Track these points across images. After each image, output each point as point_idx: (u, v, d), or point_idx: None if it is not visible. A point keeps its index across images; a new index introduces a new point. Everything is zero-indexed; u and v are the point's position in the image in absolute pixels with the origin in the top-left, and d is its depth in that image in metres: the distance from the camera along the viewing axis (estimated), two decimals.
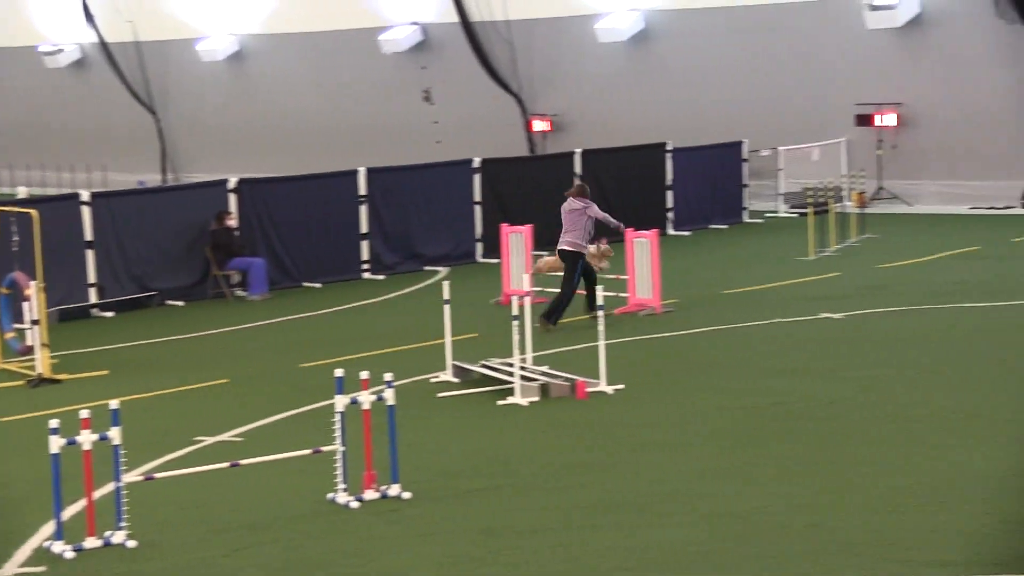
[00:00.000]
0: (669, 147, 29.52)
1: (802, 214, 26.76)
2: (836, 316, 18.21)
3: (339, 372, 10.65)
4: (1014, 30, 29.19)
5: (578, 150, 28.37)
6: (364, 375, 10.80)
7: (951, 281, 20.86)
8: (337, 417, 10.55)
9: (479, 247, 26.05)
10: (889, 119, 31.99)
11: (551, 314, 18.24)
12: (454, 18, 36.29)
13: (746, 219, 30.83)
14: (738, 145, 31.11)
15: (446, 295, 15.10)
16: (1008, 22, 29.09)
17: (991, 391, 13.46)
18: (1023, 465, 10.85)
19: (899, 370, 14.67)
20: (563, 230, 18.63)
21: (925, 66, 31.79)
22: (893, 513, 9.77)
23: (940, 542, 9.13)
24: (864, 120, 32.19)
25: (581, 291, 18.63)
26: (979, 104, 30.99)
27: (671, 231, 29.08)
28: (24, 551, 9.70)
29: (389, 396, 10.76)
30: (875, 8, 31.61)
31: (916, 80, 31.88)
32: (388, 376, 10.89)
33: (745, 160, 31.11)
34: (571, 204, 18.75)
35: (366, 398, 10.69)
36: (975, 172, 31.40)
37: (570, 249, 18.44)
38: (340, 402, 10.57)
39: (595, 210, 18.59)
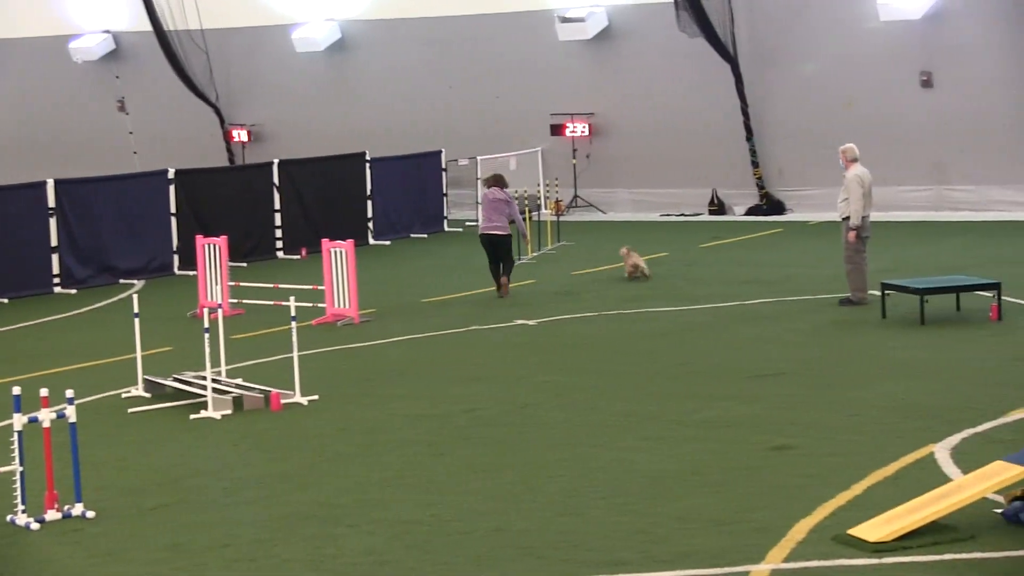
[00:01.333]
0: (368, 157, 29.64)
1: None
2: (530, 322, 18.58)
3: (16, 390, 10.37)
4: (697, 43, 30.28)
5: (276, 160, 28.23)
6: (44, 392, 10.54)
7: (641, 286, 21.52)
8: (15, 436, 10.27)
9: (176, 259, 25.64)
10: (582, 129, 32.81)
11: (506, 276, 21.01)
12: (147, 27, 35.58)
13: (446, 228, 31.17)
14: (437, 155, 31.45)
15: (136, 308, 14.85)
16: (691, 35, 30.18)
17: (670, 393, 13.96)
18: (696, 464, 11.27)
19: (586, 374, 15.08)
20: (486, 218, 21.04)
21: (615, 77, 32.75)
22: (574, 515, 10.05)
23: (619, 541, 9.43)
24: (558, 130, 32.93)
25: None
26: (667, 114, 32.06)
27: (372, 241, 29.19)
28: None
29: (70, 413, 10.52)
30: (566, 20, 32.40)
31: (607, 91, 32.80)
32: (69, 393, 10.65)
33: (444, 169, 31.47)
34: (494, 194, 21.03)
35: (45, 415, 10.43)
36: (665, 180, 32.47)
37: (501, 234, 20.84)
38: (18, 421, 10.29)
39: (516, 209, 21.14)
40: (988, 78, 29.05)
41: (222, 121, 36.94)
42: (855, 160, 18.76)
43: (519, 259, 22.58)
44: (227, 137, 36.95)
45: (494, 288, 21.12)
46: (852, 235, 18.44)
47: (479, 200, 32.16)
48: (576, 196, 33.07)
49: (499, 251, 21.02)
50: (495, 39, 33.71)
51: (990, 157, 29.34)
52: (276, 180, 27.75)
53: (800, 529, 9.49)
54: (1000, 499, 9.76)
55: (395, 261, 26.52)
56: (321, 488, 11.03)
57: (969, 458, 10.96)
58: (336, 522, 10.11)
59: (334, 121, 35.34)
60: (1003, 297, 17.44)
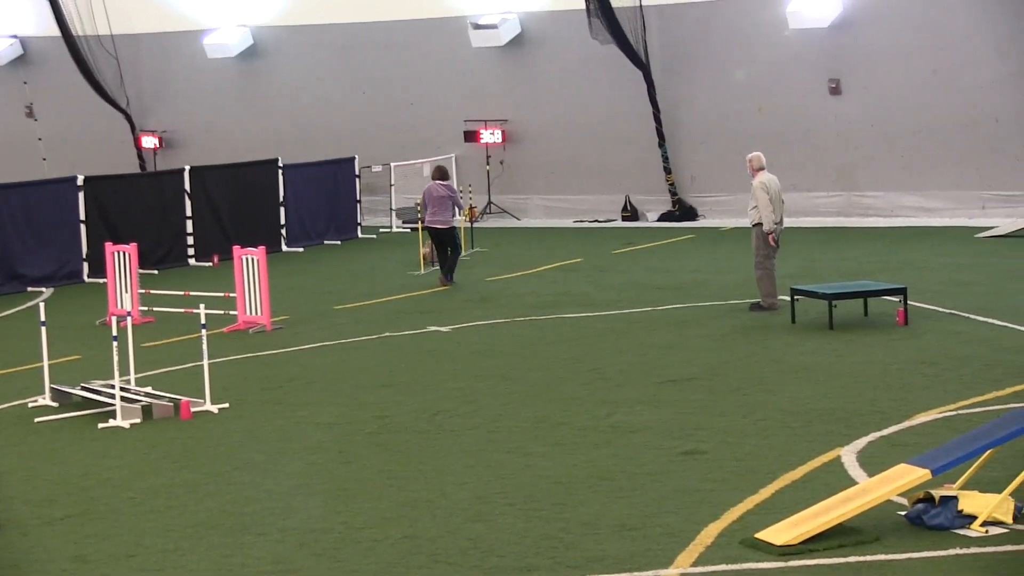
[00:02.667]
0: (281, 163, 29.51)
1: (414, 229, 27.18)
2: (444, 329, 18.57)
3: None
4: (609, 50, 30.45)
5: (187, 167, 28.03)
6: None
7: (554, 292, 21.58)
8: None
9: (85, 267, 25.38)
10: (496, 135, 32.86)
11: (449, 272, 22.30)
12: (56, 31, 35.18)
13: (360, 235, 31.10)
14: (350, 161, 31.37)
15: (43, 316, 14.70)
16: (603, 42, 30.34)
17: (580, 399, 14.00)
18: (605, 470, 11.32)
19: (498, 381, 15.10)
20: (430, 211, 22.22)
21: (528, 84, 32.84)
22: (485, 521, 10.06)
23: (528, 547, 9.46)
24: (472, 136, 32.97)
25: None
26: (580, 120, 32.20)
27: (285, 248, 29.06)
28: None
29: None
30: (479, 27, 32.45)
31: (520, 97, 32.88)
32: None
33: (358, 176, 31.40)
34: (437, 189, 22.23)
35: None
36: (579, 186, 32.61)
37: (444, 227, 22.25)
38: None
39: (458, 199, 22.52)
40: (895, 85, 29.44)
41: (133, 127, 36.60)
42: (761, 168, 18.97)
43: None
44: (138, 143, 36.61)
45: (406, 295, 21.12)
46: (772, 239, 18.61)
47: (391, 207, 32.28)
48: (490, 203, 33.11)
49: (444, 242, 22.41)
50: (408, 46, 33.68)
51: (898, 163, 29.74)
52: (187, 187, 27.54)
53: (708, 533, 9.57)
54: (904, 501, 9.90)
55: (308, 268, 26.41)
56: (229, 496, 10.97)
57: (875, 461, 11.10)
58: (244, 530, 10.05)
59: (247, 127, 35.15)
60: (909, 302, 17.68)
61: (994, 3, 28.47)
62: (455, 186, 23.13)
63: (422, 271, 24.14)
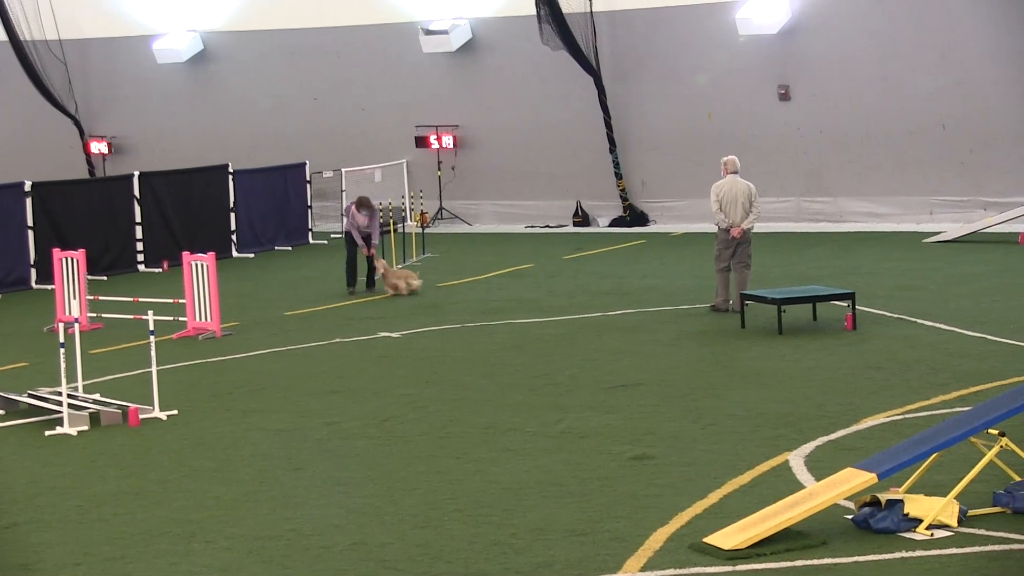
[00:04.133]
0: (231, 169, 29.41)
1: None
2: (394, 335, 18.55)
3: None
4: (560, 56, 30.52)
5: (137, 172, 27.90)
6: None
7: (504, 298, 21.60)
8: None
9: (33, 273, 25.20)
10: (447, 141, 32.86)
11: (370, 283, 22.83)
12: (3, 36, 34.90)
13: (311, 240, 31.03)
14: (301, 166, 31.30)
15: None
16: (553, 48, 30.42)
17: (529, 405, 14.01)
18: (555, 475, 11.34)
19: (447, 387, 15.09)
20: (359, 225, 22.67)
21: (479, 89, 32.87)
22: (433, 527, 10.06)
23: (477, 553, 9.46)
24: (423, 142, 32.95)
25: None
26: (531, 126, 32.27)
27: (235, 253, 28.96)
28: None
29: None
30: (430, 33, 32.45)
31: (471, 103, 32.91)
32: None
33: (309, 181, 31.33)
34: (359, 219, 22.66)
35: None
36: (530, 192, 32.66)
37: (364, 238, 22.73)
38: None
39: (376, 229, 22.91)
40: (843, 91, 29.65)
41: (81, 133, 36.38)
42: (734, 172, 19.25)
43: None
44: (87, 149, 36.39)
45: (357, 301, 21.07)
46: (734, 234, 19.04)
47: (342, 213, 32.18)
48: (441, 208, 33.11)
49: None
50: (359, 51, 33.66)
51: (846, 169, 29.94)
52: (137, 192, 27.41)
53: (657, 538, 9.60)
54: (851, 505, 9.97)
55: (259, 274, 26.32)
56: (177, 504, 10.91)
57: (822, 465, 11.16)
58: (191, 538, 10.01)
59: (197, 133, 35.01)
60: (857, 307, 17.80)
61: (940, 12, 28.71)
62: (377, 217, 23.06)
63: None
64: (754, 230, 19.50)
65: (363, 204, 22.88)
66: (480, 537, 9.79)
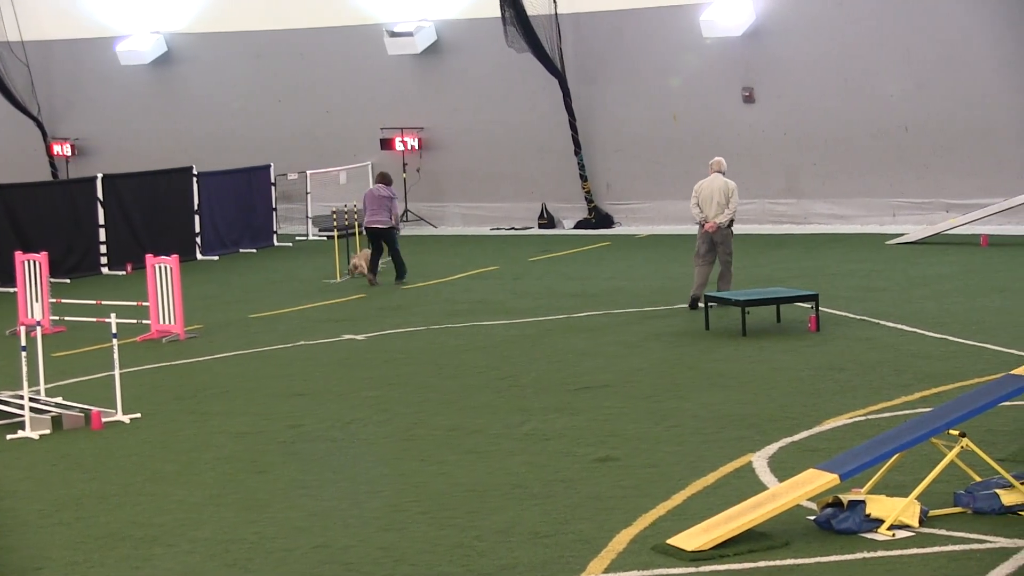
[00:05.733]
0: (196, 171, 29.31)
1: (331, 237, 27.11)
2: (359, 337, 18.52)
3: None
4: (525, 58, 30.54)
5: (100, 175, 27.78)
6: None
7: (470, 300, 21.59)
8: None
9: None
10: (412, 143, 32.85)
11: (400, 275, 23.44)
12: None
13: (276, 243, 30.96)
14: (266, 169, 31.22)
15: None
16: (518, 51, 30.42)
17: (494, 407, 14.01)
18: (519, 477, 11.35)
19: (412, 389, 15.08)
20: (369, 212, 23.21)
21: (444, 91, 32.85)
22: (397, 530, 10.05)
23: (441, 555, 9.46)
24: (388, 144, 32.92)
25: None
26: (496, 128, 32.25)
27: (200, 256, 28.86)
28: None
29: None
30: (394, 35, 32.42)
31: (436, 105, 32.88)
32: None
33: (273, 184, 31.25)
34: (379, 191, 23.40)
35: None
36: (495, 194, 32.66)
37: (382, 227, 23.17)
38: None
39: (396, 204, 23.48)
40: (807, 93, 29.75)
41: (44, 135, 36.20)
42: (718, 171, 19.55)
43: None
44: (50, 151, 36.21)
45: (322, 304, 21.05)
46: (707, 228, 19.34)
47: (307, 215, 32.17)
48: (407, 210, 33.07)
49: (382, 242, 23.37)
50: (324, 53, 33.60)
51: (810, 171, 30.05)
52: (100, 195, 27.29)
53: (621, 540, 9.61)
54: (813, 506, 10.00)
55: (223, 276, 26.25)
56: (139, 507, 10.88)
57: (785, 467, 11.20)
58: (153, 541, 9.97)
59: (161, 135, 34.87)
60: (821, 308, 17.88)
61: (902, 14, 28.84)
62: (395, 192, 23.84)
63: (338, 279, 24.05)
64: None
65: (387, 179, 23.96)
66: (443, 540, 9.79)
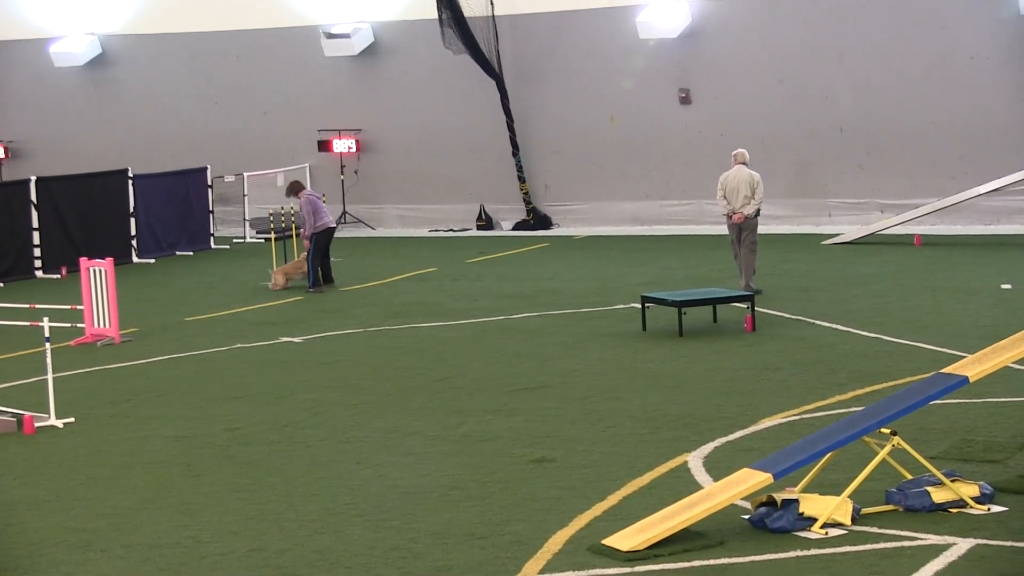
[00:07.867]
0: (131, 174, 29.10)
1: (268, 239, 26.99)
2: (296, 340, 18.46)
3: None
4: (462, 60, 30.54)
5: (34, 177, 27.51)
6: None
7: (407, 302, 21.56)
8: None
9: None
10: (349, 145, 32.76)
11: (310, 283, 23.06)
12: None
13: (213, 245, 30.78)
14: (203, 171, 31.04)
15: None
16: (455, 52, 30.43)
17: (431, 409, 14.00)
18: (455, 479, 11.35)
19: (349, 391, 15.05)
20: (323, 214, 23.27)
21: (382, 93, 32.79)
22: (333, 533, 10.03)
23: (377, 558, 9.45)
24: (326, 146, 32.83)
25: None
26: (434, 130, 32.23)
27: (136, 259, 28.66)
28: None
29: None
30: (331, 36, 32.33)
31: (374, 107, 32.82)
32: None
33: (210, 186, 31.07)
34: (314, 195, 23.50)
35: None
36: (433, 196, 32.63)
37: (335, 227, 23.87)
38: None
39: (307, 213, 23.06)
40: (743, 94, 29.92)
41: None
42: (742, 163, 20.57)
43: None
44: None
45: (259, 307, 20.97)
46: (735, 219, 20.29)
47: (244, 217, 32.01)
48: (345, 212, 32.98)
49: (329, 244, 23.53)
50: (260, 55, 33.46)
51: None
52: (34, 198, 27.03)
53: (556, 541, 9.64)
54: (747, 505, 10.07)
55: (159, 279, 26.07)
56: (72, 513, 10.79)
57: (720, 466, 11.26)
58: (87, 547, 9.90)
59: (96, 137, 34.60)
60: (757, 308, 17.99)
61: (836, 15, 29.07)
62: (310, 199, 23.46)
63: (281, 287, 23.85)
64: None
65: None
66: (379, 542, 9.77)
